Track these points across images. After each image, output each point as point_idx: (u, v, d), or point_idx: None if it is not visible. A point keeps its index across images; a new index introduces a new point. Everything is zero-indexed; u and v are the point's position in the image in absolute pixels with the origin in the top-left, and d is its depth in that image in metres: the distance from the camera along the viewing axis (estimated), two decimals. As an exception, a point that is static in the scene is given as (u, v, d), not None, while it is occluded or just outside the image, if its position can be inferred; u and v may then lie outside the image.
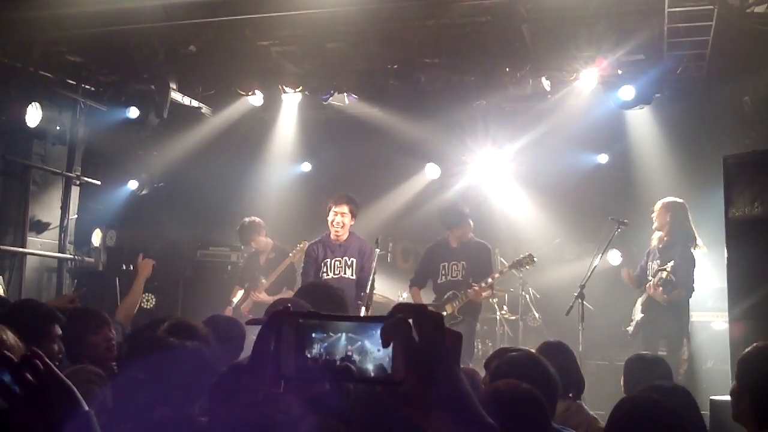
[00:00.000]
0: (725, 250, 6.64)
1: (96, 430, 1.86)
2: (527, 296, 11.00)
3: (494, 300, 10.44)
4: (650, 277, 8.95)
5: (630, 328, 9.09)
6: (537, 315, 10.95)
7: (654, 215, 9.06)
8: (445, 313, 9.21)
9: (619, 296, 10.73)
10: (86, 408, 1.88)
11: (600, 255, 9.23)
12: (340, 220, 8.90)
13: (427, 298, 9.65)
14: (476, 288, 9.15)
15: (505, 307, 10.91)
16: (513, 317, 11.00)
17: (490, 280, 9.31)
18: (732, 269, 6.64)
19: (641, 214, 10.22)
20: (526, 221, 11.77)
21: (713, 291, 9.05)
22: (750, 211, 6.07)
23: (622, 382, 5.46)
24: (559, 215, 11.54)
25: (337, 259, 9.00)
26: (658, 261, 8.89)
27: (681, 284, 8.71)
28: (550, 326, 10.30)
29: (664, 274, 8.69)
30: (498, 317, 10.79)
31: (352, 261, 8.99)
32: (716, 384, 8.34)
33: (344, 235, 8.98)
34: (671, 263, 8.67)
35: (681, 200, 9.02)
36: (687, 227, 8.83)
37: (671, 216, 8.90)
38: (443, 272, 9.45)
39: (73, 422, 1.84)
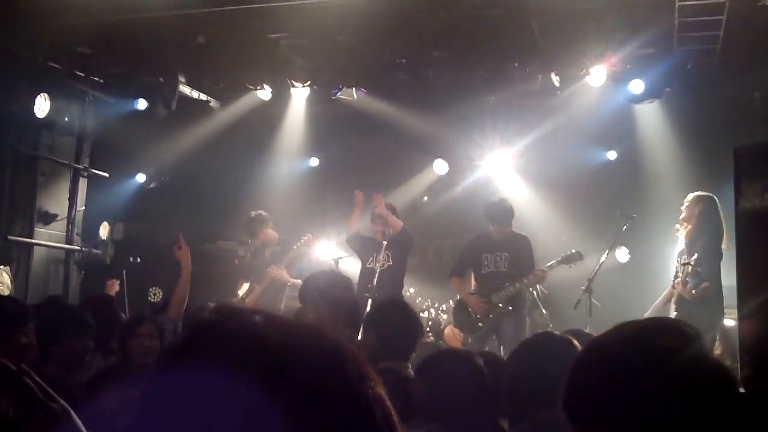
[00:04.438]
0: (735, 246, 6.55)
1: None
2: (534, 292, 10.93)
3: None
4: (680, 275, 8.82)
5: None
6: (544, 311, 10.88)
7: (683, 207, 8.92)
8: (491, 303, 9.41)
9: (627, 294, 10.67)
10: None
11: (608, 250, 9.20)
12: (379, 229, 9.59)
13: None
14: (541, 270, 9.33)
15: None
16: (520, 313, 10.94)
17: (546, 267, 9.42)
18: (741, 264, 6.48)
19: (651, 211, 10.19)
20: (534, 217, 11.69)
21: (723, 289, 8.96)
22: (760, 203, 5.98)
23: None
24: (568, 212, 11.48)
25: (380, 254, 9.39)
26: (686, 256, 8.77)
27: (707, 276, 8.57)
28: (557, 322, 10.21)
29: (689, 268, 8.60)
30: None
31: (389, 254, 9.47)
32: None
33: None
34: (695, 256, 8.57)
35: (711, 194, 8.88)
36: (716, 221, 8.66)
37: (700, 209, 8.73)
38: (486, 263, 9.53)
39: None
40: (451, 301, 10.53)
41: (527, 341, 4.37)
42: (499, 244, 9.50)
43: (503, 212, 9.55)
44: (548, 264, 9.55)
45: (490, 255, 9.51)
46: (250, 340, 1.04)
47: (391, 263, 9.43)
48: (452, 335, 10.10)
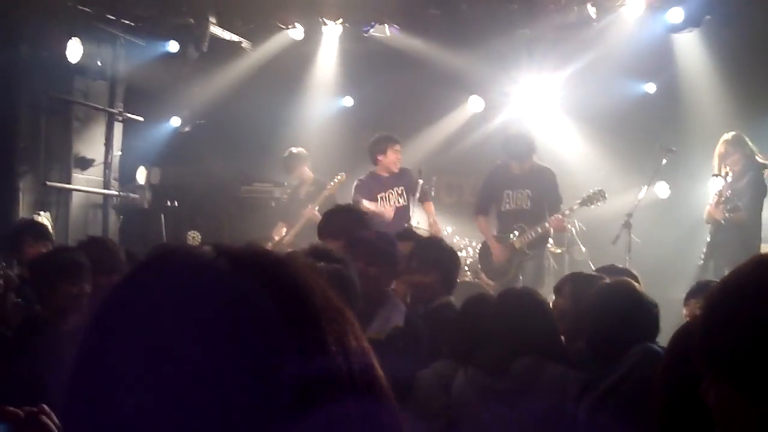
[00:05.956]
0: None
1: None
2: (573, 229, 10.82)
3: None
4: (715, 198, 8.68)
5: (701, 262, 8.83)
6: (583, 248, 10.78)
7: (719, 154, 8.73)
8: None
9: (666, 230, 10.55)
10: None
11: (647, 185, 9.06)
12: (400, 157, 9.52)
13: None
14: (557, 217, 8.97)
15: (550, 240, 10.70)
16: (559, 251, 10.85)
17: (567, 211, 9.15)
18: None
19: (691, 144, 10.00)
20: (571, 153, 11.54)
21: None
22: (804, 133, 5.82)
23: (684, 314, 5.33)
24: (605, 146, 11.29)
25: (390, 191, 9.36)
26: (729, 191, 8.64)
27: (745, 207, 8.47)
28: (597, 259, 10.12)
29: (729, 192, 8.50)
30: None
31: (402, 189, 9.42)
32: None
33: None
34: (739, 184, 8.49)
35: (737, 132, 8.72)
36: (753, 155, 8.55)
37: (736, 149, 8.60)
38: (507, 200, 9.22)
39: None
40: (474, 242, 10.42)
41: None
42: (521, 179, 9.14)
43: (524, 148, 9.16)
44: (569, 208, 9.29)
45: (511, 192, 9.17)
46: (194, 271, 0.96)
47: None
48: None
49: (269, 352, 0.90)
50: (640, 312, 3.89)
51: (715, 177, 8.75)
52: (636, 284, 4.22)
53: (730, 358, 1.37)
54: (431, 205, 9.60)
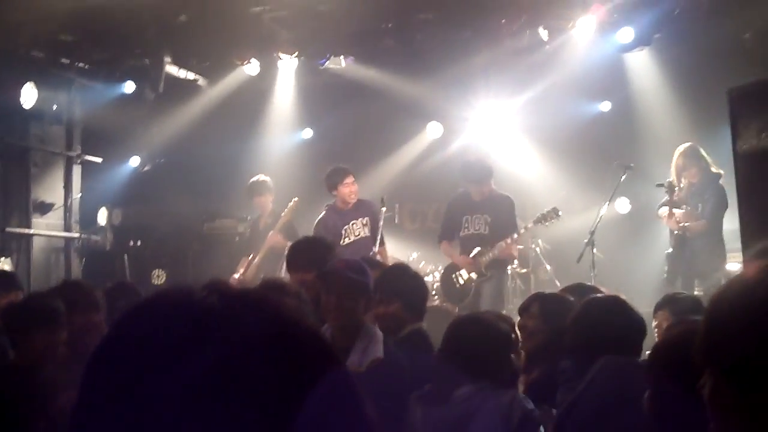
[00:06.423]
0: (735, 188, 6.48)
1: None
2: (537, 249, 10.92)
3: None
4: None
5: (665, 274, 8.88)
6: (548, 267, 10.87)
7: (676, 165, 8.86)
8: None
9: (629, 244, 10.67)
10: None
11: (608, 202, 9.15)
12: (355, 189, 9.28)
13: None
14: (506, 242, 9.04)
15: (515, 261, 10.78)
16: (524, 270, 10.92)
17: (516, 235, 9.19)
18: (743, 205, 6.43)
19: (648, 160, 10.14)
20: (531, 175, 11.65)
21: (724, 232, 8.93)
22: (758, 143, 5.92)
23: (653, 326, 5.33)
24: (564, 167, 11.42)
25: (354, 222, 9.24)
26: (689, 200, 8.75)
27: (706, 216, 8.56)
28: (562, 277, 10.20)
29: (685, 206, 8.61)
30: (509, 272, 10.67)
31: (367, 219, 9.27)
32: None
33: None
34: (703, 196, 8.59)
35: (692, 144, 8.89)
36: (709, 167, 8.68)
37: (692, 163, 8.72)
38: (466, 225, 9.32)
39: None
40: (440, 266, 10.38)
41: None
42: (480, 205, 9.27)
43: (481, 172, 9.30)
44: (524, 226, 9.41)
45: (470, 217, 9.29)
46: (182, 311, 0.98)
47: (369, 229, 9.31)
48: None
49: (269, 383, 0.93)
50: (627, 325, 3.87)
51: (659, 186, 8.87)
52: (624, 298, 4.19)
53: (725, 354, 1.57)
54: (385, 251, 9.47)
